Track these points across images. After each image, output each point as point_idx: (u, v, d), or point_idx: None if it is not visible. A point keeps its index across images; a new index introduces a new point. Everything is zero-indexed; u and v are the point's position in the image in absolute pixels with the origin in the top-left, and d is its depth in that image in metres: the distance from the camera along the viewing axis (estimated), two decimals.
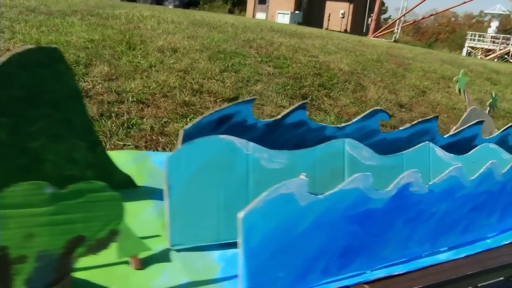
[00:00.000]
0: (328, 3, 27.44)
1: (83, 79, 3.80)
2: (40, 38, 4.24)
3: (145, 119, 3.54)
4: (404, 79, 6.64)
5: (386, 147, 1.43)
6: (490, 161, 1.29)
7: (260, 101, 4.34)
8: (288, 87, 4.82)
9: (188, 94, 4.05)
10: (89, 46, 4.37)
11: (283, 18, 24.28)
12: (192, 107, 3.90)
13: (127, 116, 3.48)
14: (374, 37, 24.09)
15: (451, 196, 1.19)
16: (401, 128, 1.49)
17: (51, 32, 4.56)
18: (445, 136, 1.62)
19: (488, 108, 2.20)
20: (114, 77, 3.97)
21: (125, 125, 3.39)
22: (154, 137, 3.26)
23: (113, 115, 3.44)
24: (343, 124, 1.38)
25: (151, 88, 3.94)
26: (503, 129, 1.87)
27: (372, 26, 27.16)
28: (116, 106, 3.59)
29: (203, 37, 5.67)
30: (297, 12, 25.59)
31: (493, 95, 2.24)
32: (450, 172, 1.17)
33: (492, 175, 1.29)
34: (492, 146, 1.64)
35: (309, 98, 4.80)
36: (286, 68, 5.26)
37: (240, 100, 1.24)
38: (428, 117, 1.56)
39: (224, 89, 4.33)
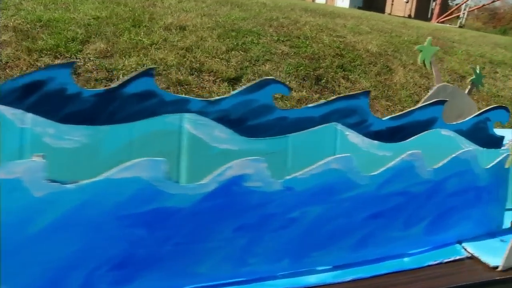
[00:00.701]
0: None
1: (75, 56, 3.68)
2: (42, 15, 4.17)
3: None
4: (441, 63, 6.08)
5: (285, 129, 1.13)
6: (409, 152, 0.96)
7: None
8: (302, 67, 4.48)
9: (185, 73, 3.83)
10: (92, 24, 4.25)
11: (343, 2, 23.27)
12: (186, 87, 3.68)
13: None
14: (437, 22, 22.66)
15: (332, 197, 0.88)
16: (311, 105, 1.17)
17: (58, 9, 4.47)
18: (384, 119, 1.28)
19: (469, 87, 1.80)
20: (109, 55, 3.82)
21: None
22: None
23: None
24: (217, 98, 1.09)
25: (145, 66, 3.75)
26: (478, 112, 1.50)
27: (436, 11, 25.56)
28: (104, 84, 3.44)
29: (220, 15, 5.42)
30: None
31: (477, 71, 1.84)
32: (328, 164, 0.86)
33: (411, 171, 0.96)
34: (447, 133, 1.28)
35: (324, 80, 4.45)
36: (304, 48, 4.91)
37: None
38: (355, 92, 1.23)
39: (227, 69, 4.07)
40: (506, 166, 1.17)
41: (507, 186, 1.22)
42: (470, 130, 1.46)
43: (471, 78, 1.84)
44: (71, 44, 3.79)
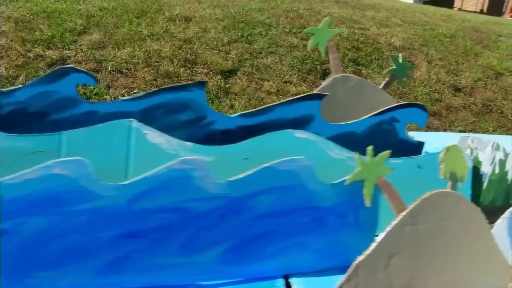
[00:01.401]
0: None
1: (68, 46, 3.68)
2: (49, 7, 4.21)
3: (112, 89, 3.31)
4: (476, 58, 5.59)
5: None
6: (181, 159, 0.79)
7: (262, 75, 3.88)
8: (308, 61, 4.25)
9: (177, 65, 3.73)
10: (96, 15, 4.25)
11: None
12: (175, 79, 3.58)
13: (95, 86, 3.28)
14: (510, 17, 21.04)
15: (59, 208, 0.73)
16: (126, 98, 1.00)
17: (67, 1, 4.51)
18: (234, 116, 1.10)
19: (387, 79, 1.55)
20: (102, 46, 3.79)
21: (87, 94, 3.19)
22: None
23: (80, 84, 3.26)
24: (10, 88, 0.95)
25: (136, 57, 3.70)
26: (378, 111, 1.28)
27: (509, 5, 23.80)
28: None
29: (236, 6, 5.27)
30: None
31: (400, 60, 1.57)
32: (49, 169, 0.71)
33: (186, 183, 0.79)
34: (302, 135, 1.07)
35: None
36: None
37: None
38: (186, 83, 1.06)
39: (225, 61, 3.93)
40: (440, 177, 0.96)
41: (373, 209, 1.00)
42: (368, 132, 1.24)
43: (390, 68, 1.58)
44: (67, 35, 3.79)
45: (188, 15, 4.61)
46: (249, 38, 4.41)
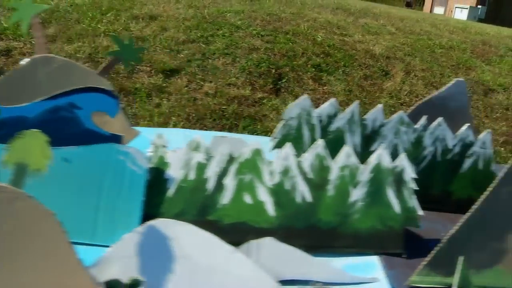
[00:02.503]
0: None
1: (19, 38, 3.81)
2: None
3: None
4: (468, 72, 5.26)
5: None
6: None
7: (206, 77, 3.83)
8: (264, 64, 4.16)
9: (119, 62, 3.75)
10: (60, 10, 4.37)
11: (461, 13, 21.12)
12: (113, 75, 3.61)
13: None
14: None
15: None
16: None
17: None
18: None
19: (107, 61, 1.42)
20: (53, 40, 3.89)
21: None
22: None
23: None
24: None
25: (82, 52, 3.76)
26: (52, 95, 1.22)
27: None
28: None
29: (214, 7, 5.26)
30: (479, 6, 21.80)
31: (126, 41, 1.43)
32: None
33: None
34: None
35: (284, 79, 4.09)
36: (281, 44, 4.56)
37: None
38: None
39: (172, 60, 3.93)
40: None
41: None
42: (42, 119, 1.17)
43: (111, 50, 1.47)
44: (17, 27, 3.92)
45: (155, 13, 4.66)
46: (208, 39, 4.38)
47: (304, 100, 1.83)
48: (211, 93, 3.68)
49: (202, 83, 3.76)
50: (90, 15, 4.39)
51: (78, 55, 3.74)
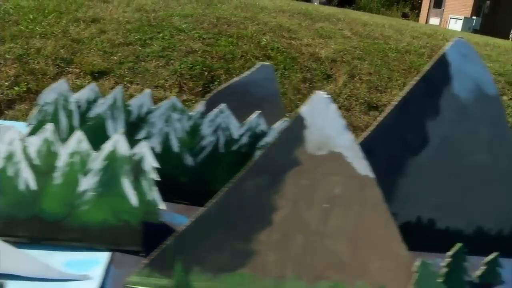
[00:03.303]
0: None
1: None
2: None
3: None
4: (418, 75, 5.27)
5: None
6: None
7: (134, 79, 3.88)
8: (197, 67, 4.20)
9: (49, 63, 3.82)
10: (1, 11, 4.44)
11: (455, 24, 20.96)
12: (39, 76, 3.67)
13: None
14: None
15: None
16: None
17: None
18: None
19: None
20: None
21: None
22: None
23: None
24: None
25: (11, 53, 3.82)
26: None
27: None
28: None
29: (163, 11, 5.32)
30: (473, 18, 21.55)
31: None
32: None
33: None
34: None
35: (216, 82, 4.12)
36: (220, 47, 4.60)
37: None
38: None
39: (103, 62, 3.98)
40: None
41: None
42: None
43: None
44: None
45: (98, 17, 4.72)
46: (146, 41, 4.44)
47: (61, 84, 1.73)
48: (136, 95, 3.72)
49: (129, 85, 3.81)
50: (31, 17, 4.46)
51: (7, 55, 3.80)
